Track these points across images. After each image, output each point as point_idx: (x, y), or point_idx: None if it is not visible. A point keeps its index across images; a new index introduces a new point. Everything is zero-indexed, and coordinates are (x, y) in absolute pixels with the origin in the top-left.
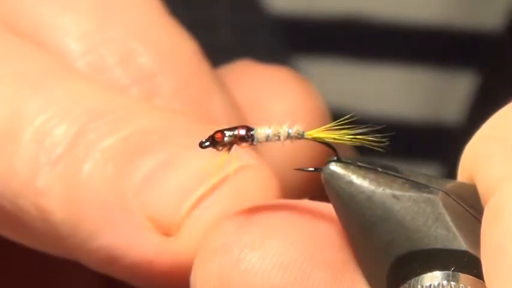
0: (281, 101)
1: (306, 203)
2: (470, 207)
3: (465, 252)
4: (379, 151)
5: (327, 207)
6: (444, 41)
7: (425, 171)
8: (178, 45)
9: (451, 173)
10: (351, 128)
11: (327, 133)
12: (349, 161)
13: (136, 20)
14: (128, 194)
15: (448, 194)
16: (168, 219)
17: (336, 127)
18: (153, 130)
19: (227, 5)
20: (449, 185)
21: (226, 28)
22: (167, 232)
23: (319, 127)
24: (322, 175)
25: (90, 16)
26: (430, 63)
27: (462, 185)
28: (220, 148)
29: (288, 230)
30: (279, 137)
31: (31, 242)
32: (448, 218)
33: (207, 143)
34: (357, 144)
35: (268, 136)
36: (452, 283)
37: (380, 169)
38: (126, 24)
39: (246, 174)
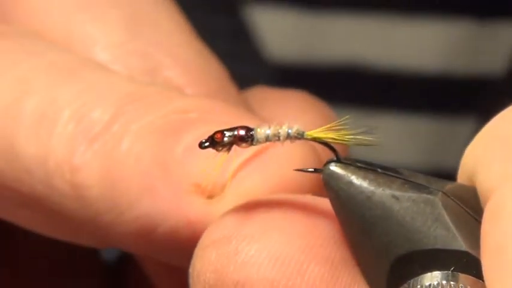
0: (299, 124)
1: (307, 198)
2: (470, 208)
3: (465, 253)
4: None
5: (328, 203)
6: (445, 88)
7: None
8: (206, 65)
9: None
10: (351, 128)
11: (326, 133)
12: (349, 162)
13: (166, 36)
14: (170, 163)
15: (447, 195)
16: (211, 181)
17: (336, 127)
18: (192, 109)
19: (226, 56)
20: (449, 186)
21: None
22: (211, 195)
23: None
24: (321, 175)
25: (120, 27)
26: (431, 111)
27: (462, 186)
28: (220, 148)
29: (287, 224)
30: (278, 137)
31: (60, 228)
32: (447, 219)
33: (207, 143)
34: (356, 144)
35: (268, 136)
36: (452, 283)
37: (379, 170)
38: (155, 38)
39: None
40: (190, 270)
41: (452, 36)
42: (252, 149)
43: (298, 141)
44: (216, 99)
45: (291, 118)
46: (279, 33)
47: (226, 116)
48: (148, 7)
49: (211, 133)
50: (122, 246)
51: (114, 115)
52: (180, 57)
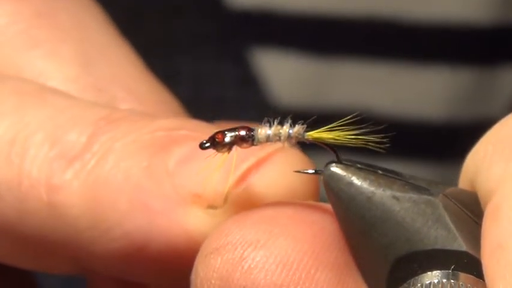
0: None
1: (310, 203)
2: (470, 212)
3: (465, 253)
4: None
5: (330, 208)
6: (449, 135)
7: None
8: (160, 96)
9: None
10: (352, 129)
11: (327, 134)
12: (349, 163)
13: (119, 70)
14: (162, 176)
15: (448, 197)
16: (213, 191)
17: (337, 128)
18: (179, 127)
19: (233, 103)
20: (449, 189)
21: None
22: (212, 205)
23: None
24: (322, 176)
25: (73, 62)
26: (436, 157)
27: (462, 191)
28: (221, 149)
29: (292, 229)
30: (279, 137)
31: (28, 253)
32: (448, 220)
33: (208, 144)
34: (358, 145)
35: (268, 136)
36: (452, 281)
37: (380, 171)
38: (108, 72)
39: (289, 150)
40: (193, 277)
41: (456, 84)
42: (254, 153)
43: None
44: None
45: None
46: (286, 79)
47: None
48: (99, 42)
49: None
50: (101, 267)
51: (92, 136)
52: (135, 90)
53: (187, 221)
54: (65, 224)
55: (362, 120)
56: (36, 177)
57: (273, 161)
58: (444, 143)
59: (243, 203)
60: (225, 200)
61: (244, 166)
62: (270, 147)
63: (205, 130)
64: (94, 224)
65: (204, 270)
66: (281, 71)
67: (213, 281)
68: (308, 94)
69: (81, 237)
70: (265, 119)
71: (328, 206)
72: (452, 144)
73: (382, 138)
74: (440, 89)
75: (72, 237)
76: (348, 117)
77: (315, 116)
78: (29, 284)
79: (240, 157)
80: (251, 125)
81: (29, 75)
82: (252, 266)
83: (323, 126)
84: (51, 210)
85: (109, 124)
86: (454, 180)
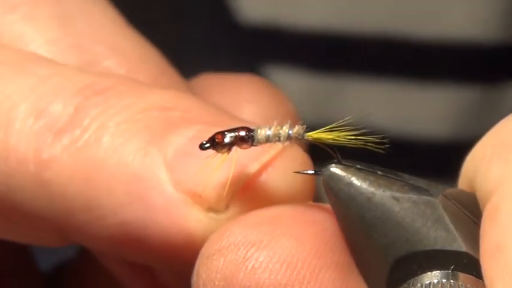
0: (252, 106)
1: (312, 204)
2: (469, 212)
3: (465, 254)
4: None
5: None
6: (454, 153)
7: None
8: (145, 52)
9: None
10: (352, 129)
11: (327, 134)
12: (349, 164)
13: (100, 28)
14: (160, 168)
15: (447, 198)
16: (215, 195)
17: (336, 129)
18: (172, 106)
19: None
20: (449, 190)
21: None
22: (212, 208)
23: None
24: (322, 177)
25: (52, 24)
26: (442, 176)
27: (462, 192)
28: (221, 149)
29: (295, 229)
30: (279, 138)
31: (15, 227)
32: (447, 220)
33: (208, 144)
34: (357, 146)
35: (268, 137)
36: (452, 281)
37: (380, 172)
38: (89, 31)
39: (290, 153)
40: (194, 279)
41: (461, 101)
42: (255, 156)
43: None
44: (189, 94)
45: (244, 102)
46: (293, 97)
47: (206, 115)
48: (78, 2)
49: (201, 135)
50: (94, 247)
51: (80, 108)
52: (117, 46)
53: (187, 222)
54: (58, 203)
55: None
56: (23, 151)
57: (278, 165)
58: (449, 160)
59: (248, 209)
60: (227, 201)
61: (249, 171)
62: (271, 149)
63: (197, 108)
64: (88, 207)
65: (206, 271)
66: (289, 87)
67: (216, 282)
68: (315, 110)
69: (74, 219)
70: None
71: (329, 206)
72: (457, 161)
73: (382, 138)
74: (445, 106)
75: (65, 217)
76: (348, 118)
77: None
78: (24, 256)
79: (242, 163)
80: (229, 120)
81: (8, 40)
82: (256, 266)
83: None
84: (42, 187)
85: (97, 95)
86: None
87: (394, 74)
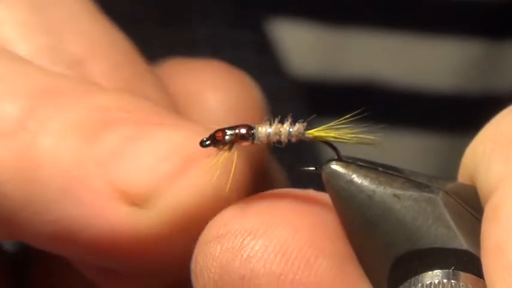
0: (216, 93)
1: (311, 192)
2: (470, 207)
3: (465, 252)
4: None
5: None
6: (459, 106)
7: None
8: (111, 38)
9: None
10: (352, 127)
11: (327, 132)
12: (350, 160)
13: (68, 13)
14: (91, 166)
15: (448, 194)
16: (139, 190)
17: (337, 126)
18: (115, 107)
19: (254, 69)
20: (450, 185)
21: None
22: (138, 203)
23: (255, 117)
24: (322, 174)
25: (23, 6)
26: (446, 128)
27: (463, 185)
28: (221, 147)
29: (292, 218)
30: (279, 135)
31: None
32: (448, 217)
33: (208, 142)
34: (358, 143)
35: (269, 135)
36: (453, 281)
37: (381, 168)
38: (58, 15)
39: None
40: (192, 266)
41: (467, 55)
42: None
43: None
44: (137, 95)
45: (209, 89)
46: (300, 48)
47: (150, 115)
48: None
49: (140, 133)
50: (37, 244)
51: (29, 110)
52: (84, 31)
53: (113, 217)
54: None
55: (374, 90)
56: None
57: (202, 166)
58: (454, 114)
59: (171, 207)
60: (150, 198)
61: (176, 163)
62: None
63: (137, 108)
64: (25, 205)
65: (203, 258)
66: (296, 40)
67: (212, 270)
68: (321, 63)
69: (14, 217)
70: (266, 117)
71: (327, 196)
72: (463, 114)
73: (381, 138)
74: (451, 60)
75: (5, 214)
76: (348, 116)
77: (314, 115)
78: None
79: (173, 152)
80: (175, 122)
81: None
82: (251, 254)
83: (335, 98)
84: None
85: (44, 97)
86: (462, 151)
87: (400, 27)
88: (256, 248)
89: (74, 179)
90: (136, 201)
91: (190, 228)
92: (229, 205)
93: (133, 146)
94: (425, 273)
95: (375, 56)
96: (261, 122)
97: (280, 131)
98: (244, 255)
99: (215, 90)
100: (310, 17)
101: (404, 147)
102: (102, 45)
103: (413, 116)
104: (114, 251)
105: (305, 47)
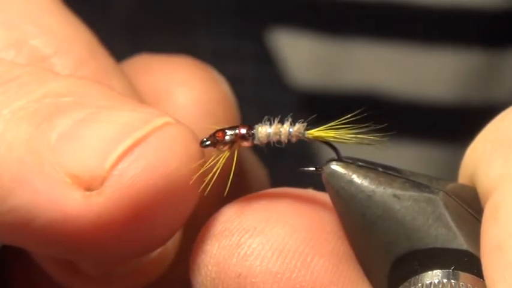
0: (185, 89)
1: (310, 192)
2: (470, 208)
3: (465, 252)
4: None
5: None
6: (460, 116)
7: None
8: (74, 32)
9: None
10: (352, 127)
11: (327, 132)
12: (350, 161)
13: (29, 6)
14: (43, 152)
15: (448, 194)
16: (89, 173)
17: (337, 126)
18: (67, 93)
19: (256, 80)
20: (450, 185)
21: (252, 105)
22: (89, 187)
23: (225, 112)
24: (322, 174)
25: None
26: (447, 139)
27: (463, 186)
28: (222, 147)
29: (290, 217)
30: (279, 135)
31: None
32: (448, 218)
33: (208, 142)
34: (358, 143)
35: (269, 135)
36: (453, 281)
37: (380, 169)
38: (20, 10)
39: (170, 129)
40: (190, 263)
41: (467, 65)
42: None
43: (207, 128)
44: (90, 79)
45: (177, 84)
46: (301, 59)
47: (102, 100)
48: None
49: (90, 117)
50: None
51: None
52: (46, 25)
53: (65, 202)
54: None
55: (374, 101)
56: None
57: (154, 145)
58: (455, 124)
59: (122, 188)
60: (102, 181)
61: (124, 145)
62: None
63: (93, 93)
64: None
65: (201, 256)
66: (296, 50)
67: (209, 267)
68: (322, 74)
69: None
70: (266, 117)
71: (327, 195)
72: (463, 125)
73: (382, 137)
74: (452, 70)
75: None
76: (349, 116)
77: (314, 115)
78: None
79: (120, 134)
80: (129, 105)
81: None
82: (248, 252)
83: (335, 108)
84: None
85: (1, 85)
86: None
87: (400, 38)
88: (254, 246)
89: (27, 166)
90: (88, 185)
91: (144, 213)
92: (192, 190)
93: (84, 130)
94: (425, 273)
95: (375, 67)
96: (230, 117)
97: (280, 131)
98: (241, 253)
99: (183, 86)
100: (311, 29)
101: (405, 157)
102: (65, 39)
103: (414, 126)
104: (70, 238)
105: (306, 58)
